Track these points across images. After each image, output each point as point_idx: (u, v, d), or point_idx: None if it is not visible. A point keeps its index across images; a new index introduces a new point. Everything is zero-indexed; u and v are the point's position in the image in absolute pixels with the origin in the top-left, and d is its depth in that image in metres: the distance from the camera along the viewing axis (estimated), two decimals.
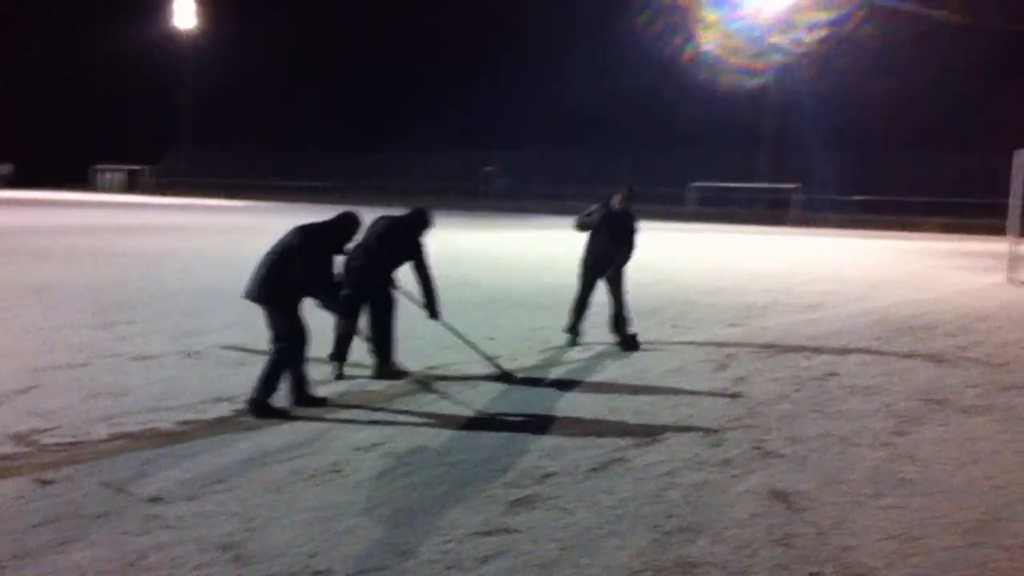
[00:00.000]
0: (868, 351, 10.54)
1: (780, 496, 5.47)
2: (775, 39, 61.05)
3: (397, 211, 8.78)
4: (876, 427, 7.13)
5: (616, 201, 10.41)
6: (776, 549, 4.68)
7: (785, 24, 60.81)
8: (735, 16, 62.76)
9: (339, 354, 8.39)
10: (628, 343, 10.36)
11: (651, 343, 10.69)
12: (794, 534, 4.87)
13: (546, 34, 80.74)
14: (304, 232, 7.25)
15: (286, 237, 7.25)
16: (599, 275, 10.48)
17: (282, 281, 7.06)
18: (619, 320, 10.46)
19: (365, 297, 8.33)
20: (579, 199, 66.29)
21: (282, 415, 6.97)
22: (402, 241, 8.44)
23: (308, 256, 7.11)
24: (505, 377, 8.54)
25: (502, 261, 21.06)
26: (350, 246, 7.91)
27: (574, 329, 10.54)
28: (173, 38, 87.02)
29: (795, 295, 15.99)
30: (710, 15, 64.95)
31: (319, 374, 7.97)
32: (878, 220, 50.49)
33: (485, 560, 4.46)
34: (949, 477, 5.94)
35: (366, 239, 8.27)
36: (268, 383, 7.03)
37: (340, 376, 8.31)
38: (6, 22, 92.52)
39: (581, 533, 4.81)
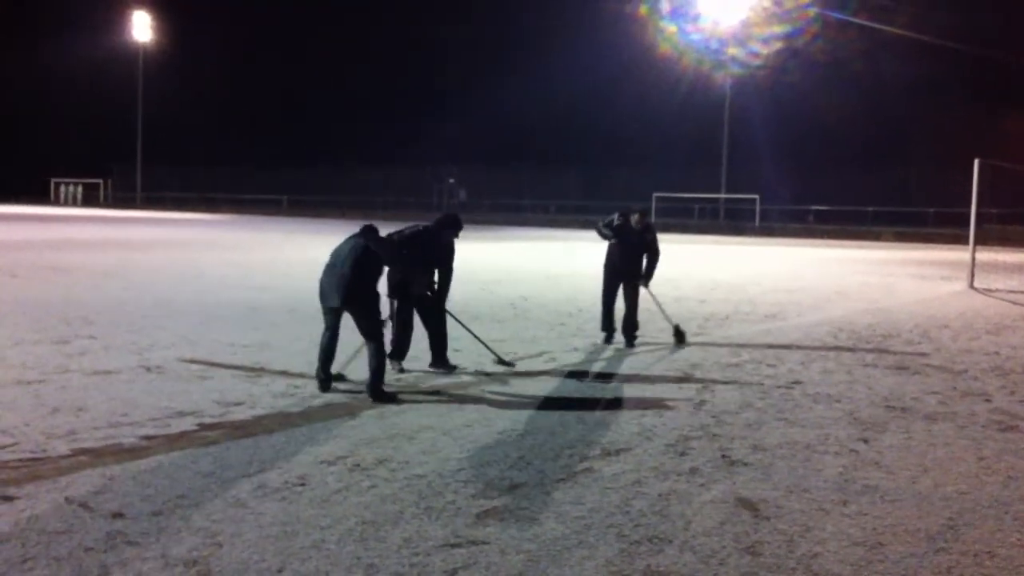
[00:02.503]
0: (830, 359, 10.62)
1: (747, 504, 5.48)
2: (731, 51, 61.63)
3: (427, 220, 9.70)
4: (840, 435, 7.18)
5: (634, 221, 11.50)
6: (744, 557, 4.69)
7: (741, 37, 61.43)
8: (692, 29, 63.35)
9: (398, 352, 9.29)
10: (632, 341, 11.43)
11: (606, 355, 10.75)
12: (761, 542, 4.89)
13: (505, 47, 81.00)
14: (369, 232, 8.27)
15: (353, 243, 8.19)
16: (619, 281, 11.59)
17: (365, 283, 8.07)
18: (629, 322, 11.45)
19: (411, 301, 9.27)
20: (536, 211, 66.79)
21: (394, 399, 7.98)
22: (433, 245, 9.31)
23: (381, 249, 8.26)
24: (505, 364, 9.70)
25: (463, 273, 20.98)
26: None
27: (608, 328, 11.63)
28: (130, 52, 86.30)
29: (756, 304, 16.09)
30: (668, 27, 65.56)
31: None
32: (835, 230, 50.99)
33: (453, 572, 4.43)
34: (913, 484, 5.99)
35: (398, 246, 9.02)
36: (379, 373, 8.07)
37: (402, 370, 9.23)
38: None
39: (549, 543, 4.80)
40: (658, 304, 12.26)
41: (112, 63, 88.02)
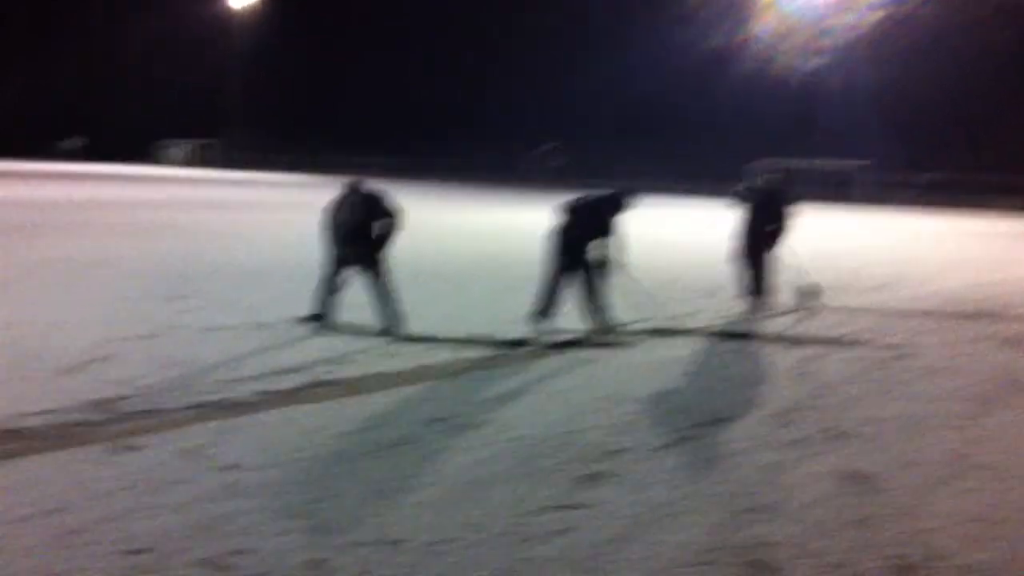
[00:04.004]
0: (942, 332, 10.35)
1: (853, 477, 5.39)
2: (832, 21, 60.00)
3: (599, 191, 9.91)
4: (949, 409, 7.00)
5: (765, 180, 12.00)
6: (853, 530, 4.60)
7: (842, 6, 59.72)
8: None
9: (545, 311, 9.48)
10: (764, 304, 11.59)
11: (713, 323, 10.64)
12: (871, 515, 4.80)
13: (606, 22, 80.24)
14: (370, 196, 9.09)
15: (354, 207, 9.00)
16: (753, 242, 11.76)
17: (370, 232, 8.96)
18: (763, 286, 11.68)
19: (575, 265, 9.44)
20: (635, 177, 66.12)
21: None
22: (600, 217, 9.51)
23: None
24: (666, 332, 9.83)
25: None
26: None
27: (747, 291, 11.75)
28: (231, 15, 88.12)
29: (862, 276, 15.75)
30: None
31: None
32: (947, 200, 49.41)
33: (558, 533, 4.45)
34: None
35: (570, 214, 9.46)
36: (396, 312, 9.12)
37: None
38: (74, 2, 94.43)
39: (653, 509, 4.78)
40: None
41: (217, 25, 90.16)
